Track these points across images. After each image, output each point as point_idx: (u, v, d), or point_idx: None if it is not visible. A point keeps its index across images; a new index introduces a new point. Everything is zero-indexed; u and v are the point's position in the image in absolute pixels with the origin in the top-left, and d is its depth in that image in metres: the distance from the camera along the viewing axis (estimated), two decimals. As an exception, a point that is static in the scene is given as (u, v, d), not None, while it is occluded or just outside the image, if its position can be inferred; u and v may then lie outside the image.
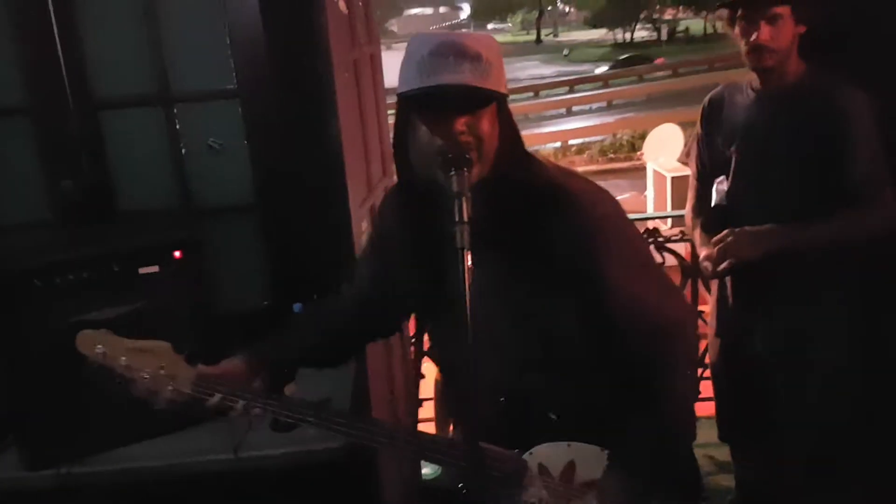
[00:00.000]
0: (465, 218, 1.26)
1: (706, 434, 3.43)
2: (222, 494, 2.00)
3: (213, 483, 1.99)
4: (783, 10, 2.03)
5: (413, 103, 1.34)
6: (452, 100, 1.29)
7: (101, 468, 1.99)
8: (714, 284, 2.37)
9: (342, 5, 2.48)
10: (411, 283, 1.49)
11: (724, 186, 2.21)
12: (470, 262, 1.24)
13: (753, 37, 2.05)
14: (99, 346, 1.47)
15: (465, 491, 1.36)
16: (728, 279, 2.26)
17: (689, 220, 2.40)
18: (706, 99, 2.35)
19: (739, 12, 2.08)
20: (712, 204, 2.25)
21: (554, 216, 1.37)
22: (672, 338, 1.45)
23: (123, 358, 1.46)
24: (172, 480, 2.00)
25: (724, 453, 3.14)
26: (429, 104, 1.32)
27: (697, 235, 2.31)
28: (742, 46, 2.10)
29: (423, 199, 1.42)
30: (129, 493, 2.00)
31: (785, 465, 2.27)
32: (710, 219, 2.26)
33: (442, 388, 1.75)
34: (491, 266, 1.32)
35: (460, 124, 1.30)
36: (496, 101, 1.34)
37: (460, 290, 1.21)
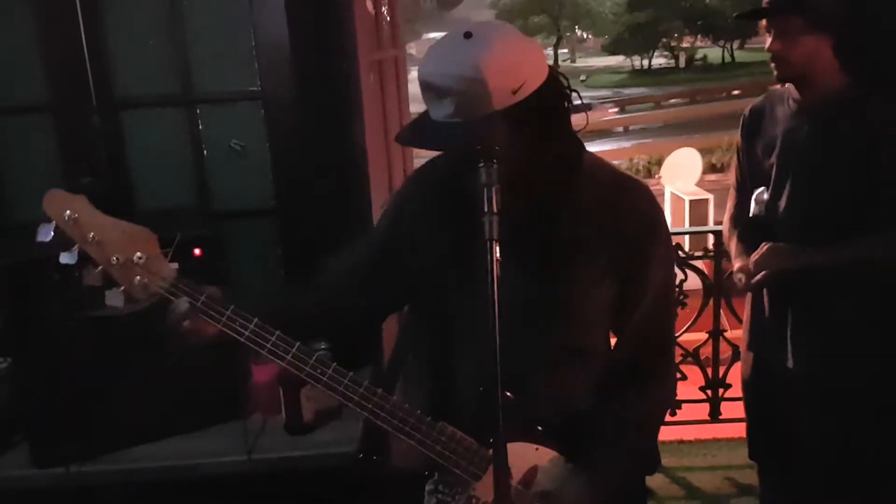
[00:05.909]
0: (495, 209, 1.20)
1: (727, 456, 3.38)
2: (235, 497, 1.96)
3: (225, 485, 1.95)
4: (795, 20, 1.98)
5: None
6: (439, 135, 1.23)
7: (112, 467, 1.96)
8: (748, 298, 2.31)
9: (369, 5, 2.47)
10: (433, 260, 1.41)
11: (764, 197, 2.16)
12: (498, 254, 1.20)
13: (767, 46, 2.03)
14: (68, 212, 1.23)
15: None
16: (765, 292, 2.20)
17: (726, 230, 2.36)
18: (747, 109, 2.30)
19: (763, 22, 2.05)
20: (750, 215, 2.21)
21: (617, 205, 1.37)
22: (668, 350, 1.53)
23: (93, 233, 1.24)
24: (184, 482, 1.96)
25: (745, 476, 3.07)
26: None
27: (734, 246, 2.26)
28: None
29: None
30: (140, 493, 1.97)
31: (814, 487, 2.19)
32: (747, 230, 2.22)
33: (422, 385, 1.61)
34: (523, 255, 1.27)
35: (465, 147, 1.23)
36: (511, 110, 1.22)
37: (487, 280, 1.16)
